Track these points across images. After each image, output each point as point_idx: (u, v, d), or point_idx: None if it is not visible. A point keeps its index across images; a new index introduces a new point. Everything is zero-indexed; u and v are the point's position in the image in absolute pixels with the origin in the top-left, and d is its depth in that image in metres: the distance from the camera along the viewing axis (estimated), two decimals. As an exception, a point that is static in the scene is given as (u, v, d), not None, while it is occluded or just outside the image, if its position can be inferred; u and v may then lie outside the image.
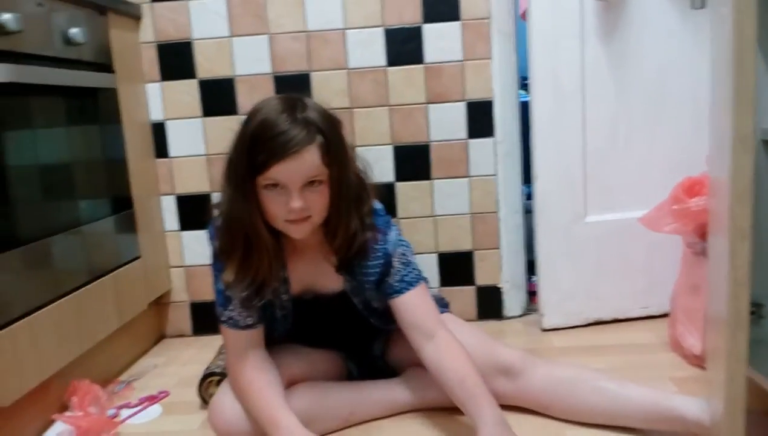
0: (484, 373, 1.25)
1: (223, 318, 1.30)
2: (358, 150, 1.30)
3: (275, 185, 1.15)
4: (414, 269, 1.32)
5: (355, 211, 1.25)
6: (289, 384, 1.32)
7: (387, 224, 1.32)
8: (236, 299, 1.26)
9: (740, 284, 0.85)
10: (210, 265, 1.33)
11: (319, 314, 1.36)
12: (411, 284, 1.29)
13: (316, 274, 1.32)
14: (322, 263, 1.30)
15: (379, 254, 1.29)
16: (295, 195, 1.14)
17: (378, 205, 1.33)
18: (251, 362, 1.27)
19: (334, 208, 1.21)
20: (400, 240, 1.33)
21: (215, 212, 1.27)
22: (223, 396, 1.29)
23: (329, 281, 1.32)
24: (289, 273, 1.30)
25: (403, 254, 1.32)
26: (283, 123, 1.13)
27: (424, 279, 1.34)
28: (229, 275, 1.23)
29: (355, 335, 1.46)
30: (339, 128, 1.21)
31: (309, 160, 1.14)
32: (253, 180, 1.16)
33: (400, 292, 1.29)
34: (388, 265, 1.29)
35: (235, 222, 1.20)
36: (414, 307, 1.29)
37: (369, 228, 1.27)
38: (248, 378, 1.25)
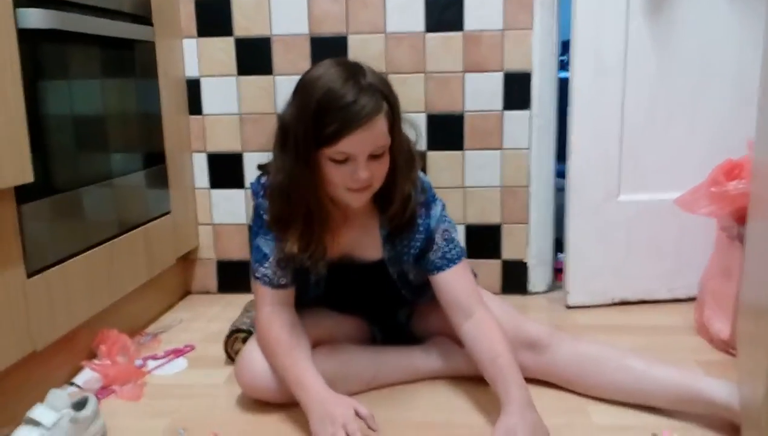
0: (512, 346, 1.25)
1: (257, 275, 1.30)
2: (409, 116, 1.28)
3: (345, 160, 1.13)
4: (456, 245, 1.32)
5: (408, 176, 1.24)
6: (315, 345, 1.33)
7: (433, 198, 1.32)
8: (276, 259, 1.26)
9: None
10: (251, 224, 1.33)
11: (353, 281, 1.37)
12: (452, 261, 1.30)
13: (358, 242, 1.32)
14: (367, 232, 1.31)
15: (421, 228, 1.29)
16: (362, 165, 1.13)
17: (426, 179, 1.33)
18: (281, 320, 1.28)
19: (391, 175, 1.21)
20: (444, 216, 1.33)
21: (264, 176, 1.28)
22: (251, 352, 1.30)
23: (369, 249, 1.32)
24: (329, 238, 1.27)
25: (446, 231, 1.31)
26: (350, 92, 1.10)
27: (465, 255, 1.33)
28: (292, 246, 1.22)
29: (383, 302, 1.47)
30: (395, 97, 1.18)
31: (378, 130, 1.12)
32: (317, 151, 1.13)
33: (441, 268, 1.29)
34: (430, 240, 1.30)
35: (296, 193, 1.19)
36: (454, 284, 1.29)
37: (425, 193, 1.28)
38: (276, 336, 1.26)
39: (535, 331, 1.33)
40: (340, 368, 1.32)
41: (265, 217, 1.26)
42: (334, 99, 1.10)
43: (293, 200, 1.20)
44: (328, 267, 1.31)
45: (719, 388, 1.16)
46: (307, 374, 1.20)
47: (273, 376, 1.27)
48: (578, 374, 1.30)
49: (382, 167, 1.18)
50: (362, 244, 1.32)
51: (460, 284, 1.29)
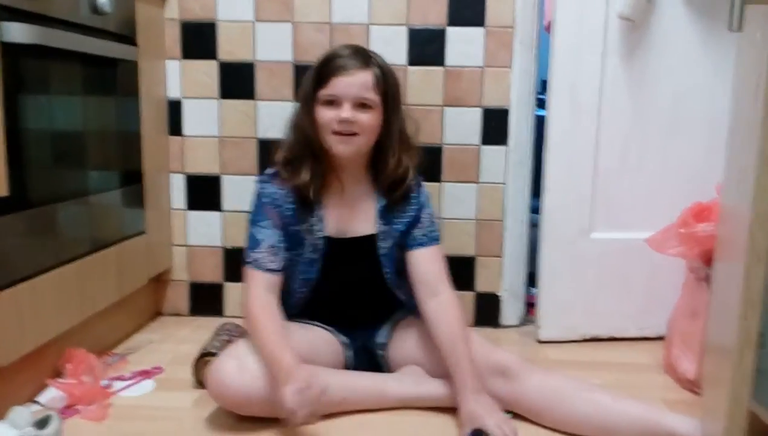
0: (483, 373, 1.32)
1: (249, 260, 1.41)
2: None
3: (332, 102, 1.33)
4: (437, 230, 1.48)
5: (407, 157, 1.42)
6: None
7: (420, 181, 1.50)
8: (268, 245, 1.40)
9: (753, 304, 0.86)
10: (250, 214, 1.46)
11: (343, 266, 1.43)
12: (432, 241, 1.45)
13: (352, 215, 1.44)
14: (361, 204, 1.44)
15: (413, 202, 1.46)
16: (346, 106, 1.33)
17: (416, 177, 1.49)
18: (263, 302, 1.38)
19: (382, 142, 1.40)
20: (430, 203, 1.50)
21: (269, 168, 1.46)
22: (223, 362, 1.30)
23: (363, 223, 1.45)
24: (326, 212, 1.43)
25: (431, 214, 1.49)
26: (347, 52, 1.36)
27: (441, 242, 1.49)
28: (305, 175, 1.38)
29: (368, 307, 1.50)
30: (396, 80, 1.41)
31: (362, 79, 1.33)
32: (315, 96, 1.35)
33: (422, 244, 1.44)
34: (418, 216, 1.45)
35: (300, 131, 1.40)
36: (429, 262, 1.43)
37: (408, 182, 1.43)
38: (257, 315, 1.35)
39: (505, 358, 1.36)
40: None
41: (265, 200, 1.42)
42: (334, 55, 1.36)
43: (299, 138, 1.40)
44: (325, 243, 1.42)
45: (683, 423, 1.19)
46: (283, 353, 1.26)
47: (242, 386, 1.26)
48: (547, 405, 1.31)
49: (367, 120, 1.35)
50: (356, 217, 1.44)
51: (433, 264, 1.44)
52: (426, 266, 1.43)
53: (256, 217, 1.43)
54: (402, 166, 1.41)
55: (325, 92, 1.34)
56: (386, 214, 1.45)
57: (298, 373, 1.21)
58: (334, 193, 1.44)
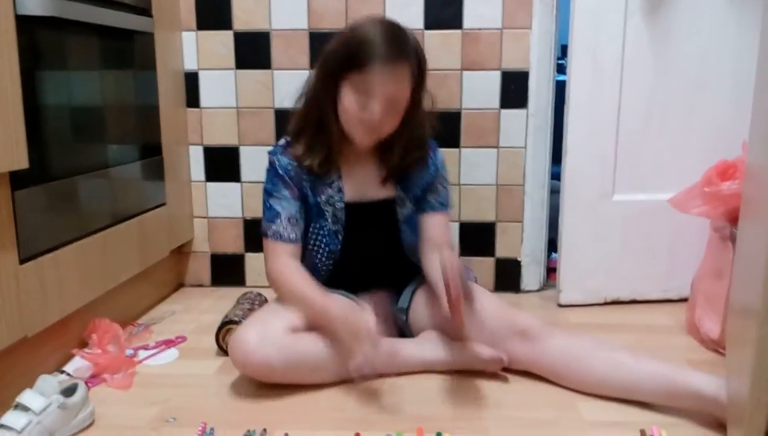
0: (502, 335, 1.34)
1: (269, 233, 1.42)
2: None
3: (363, 93, 1.28)
4: (448, 196, 1.51)
5: (416, 133, 1.40)
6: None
7: (435, 144, 1.49)
8: (287, 216, 1.41)
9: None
10: (265, 185, 1.46)
11: (365, 232, 1.43)
12: (444, 207, 1.48)
13: (368, 182, 1.45)
14: (377, 170, 1.44)
15: (430, 166, 1.46)
16: (378, 105, 1.28)
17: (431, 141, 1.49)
18: (292, 268, 1.41)
19: (399, 129, 1.36)
20: (445, 167, 1.50)
21: (282, 139, 1.46)
22: (245, 331, 1.30)
23: (381, 188, 1.45)
24: (343, 182, 1.43)
25: (445, 179, 1.50)
26: (390, 34, 1.28)
27: (451, 209, 1.53)
28: (299, 149, 1.39)
29: (389, 275, 1.50)
30: (425, 63, 1.36)
31: (400, 75, 1.28)
32: (343, 75, 1.29)
33: (434, 209, 1.47)
34: (434, 180, 1.46)
35: (313, 107, 1.37)
36: (438, 226, 1.46)
37: (424, 147, 1.44)
38: (289, 279, 1.39)
39: (525, 320, 1.35)
40: (330, 351, 1.32)
41: (280, 172, 1.41)
42: (376, 34, 1.28)
43: (309, 114, 1.38)
44: (346, 211, 1.44)
45: (708, 382, 1.16)
46: (329, 303, 1.30)
47: (264, 354, 1.27)
48: (568, 366, 1.31)
49: (394, 119, 1.33)
50: (372, 184, 1.45)
51: (442, 229, 1.47)
52: (434, 229, 1.45)
53: (273, 188, 1.43)
54: (406, 152, 1.40)
55: (358, 79, 1.28)
56: (404, 179, 1.45)
57: (358, 316, 1.23)
58: (349, 161, 1.44)
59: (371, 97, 1.28)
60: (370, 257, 1.48)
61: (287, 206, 1.42)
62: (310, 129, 1.39)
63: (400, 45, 1.29)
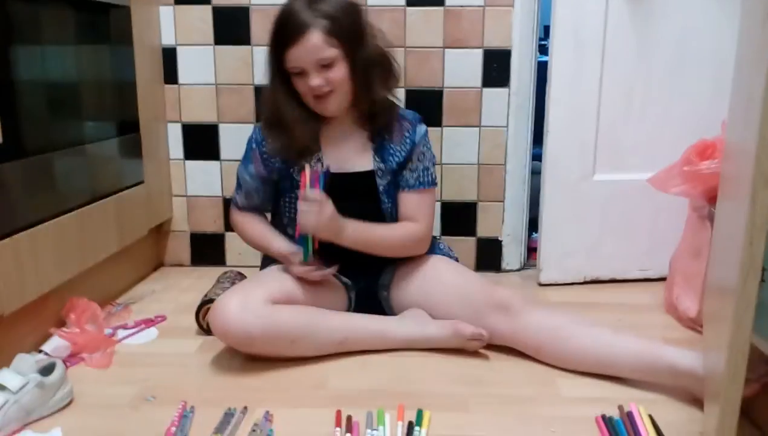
0: (483, 310, 1.35)
1: (233, 197, 1.55)
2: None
3: (300, 72, 1.34)
4: (430, 175, 1.48)
5: (381, 81, 1.41)
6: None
7: (418, 120, 1.49)
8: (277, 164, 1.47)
9: (759, 229, 0.84)
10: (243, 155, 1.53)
11: (345, 203, 1.40)
12: (423, 185, 1.47)
13: (349, 154, 1.46)
14: (356, 144, 1.46)
15: (407, 139, 1.46)
16: (312, 74, 1.33)
17: (410, 112, 1.51)
18: (249, 214, 1.55)
19: (354, 80, 1.37)
20: (427, 140, 1.50)
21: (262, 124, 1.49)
22: (227, 299, 1.31)
23: (361, 160, 1.46)
24: (324, 154, 1.45)
25: (423, 154, 1.48)
26: (291, 14, 1.32)
27: (436, 186, 1.51)
28: (274, 141, 1.44)
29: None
30: (352, 12, 1.37)
31: (313, 44, 1.31)
32: (283, 69, 1.36)
33: (410, 187, 1.46)
34: (411, 154, 1.46)
35: (271, 102, 1.42)
36: (416, 205, 1.47)
37: (395, 104, 1.46)
38: (244, 220, 1.55)
39: (507, 295, 1.37)
40: (310, 324, 1.34)
41: (254, 145, 1.48)
42: (281, 19, 1.34)
43: (271, 108, 1.42)
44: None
45: (683, 356, 1.18)
46: (271, 238, 1.48)
47: (245, 323, 1.27)
48: (547, 341, 1.32)
49: (336, 73, 1.35)
50: (353, 156, 1.46)
51: (420, 208, 1.47)
52: (411, 207, 1.47)
53: (244, 157, 1.52)
54: (376, 97, 1.41)
55: (289, 66, 1.35)
56: (381, 151, 1.45)
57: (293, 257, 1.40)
58: (328, 133, 1.46)
59: (303, 70, 1.34)
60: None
61: (249, 181, 1.51)
62: (282, 123, 1.42)
63: (303, 12, 1.31)
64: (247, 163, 1.50)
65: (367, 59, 1.38)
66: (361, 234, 1.41)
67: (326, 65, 1.33)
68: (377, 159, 1.45)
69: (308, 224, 1.33)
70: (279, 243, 1.46)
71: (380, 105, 1.42)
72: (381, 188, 1.46)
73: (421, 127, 1.49)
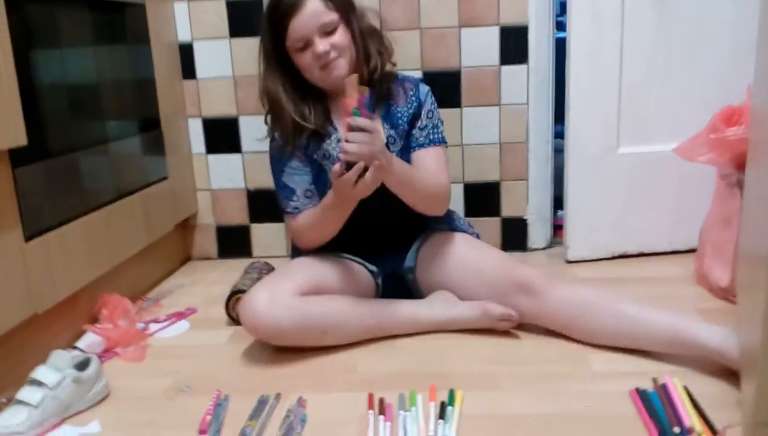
0: (505, 290, 1.34)
1: (289, 209, 1.46)
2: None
3: (304, 46, 1.34)
4: (439, 132, 1.49)
5: (377, 52, 1.42)
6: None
7: (419, 80, 1.51)
8: (303, 190, 1.45)
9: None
10: (271, 164, 1.50)
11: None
12: (434, 142, 1.47)
13: None
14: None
15: (413, 98, 1.47)
16: (317, 41, 1.33)
17: (409, 76, 1.53)
18: (303, 212, 1.46)
19: (355, 47, 1.39)
20: (432, 99, 1.50)
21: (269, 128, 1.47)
22: (255, 293, 1.31)
23: None
24: (342, 133, 1.41)
25: (431, 112, 1.48)
26: None
27: (446, 143, 1.50)
28: (284, 133, 1.42)
29: (391, 231, 1.49)
30: None
31: (313, 9, 1.32)
32: (282, 50, 1.36)
33: (422, 146, 1.46)
34: (419, 111, 1.46)
35: (270, 94, 1.41)
36: (429, 162, 1.45)
37: (392, 71, 1.47)
38: (302, 220, 1.44)
39: (528, 274, 1.35)
40: (341, 313, 1.34)
41: (280, 155, 1.45)
42: (274, 4, 1.36)
43: (271, 102, 1.42)
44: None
45: (712, 333, 1.16)
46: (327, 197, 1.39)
47: (274, 316, 1.27)
48: (574, 318, 1.31)
49: (340, 38, 1.36)
50: None
51: (433, 164, 1.45)
52: (425, 164, 1.44)
53: (278, 166, 1.46)
54: (375, 61, 1.42)
55: (291, 43, 1.35)
56: (389, 118, 1.45)
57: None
58: (337, 110, 1.44)
59: (307, 41, 1.34)
60: (370, 210, 1.39)
61: (299, 181, 1.44)
62: (289, 118, 1.40)
63: None
64: (285, 164, 1.45)
65: (363, 29, 1.41)
66: (407, 170, 1.38)
67: (329, 32, 1.34)
68: (386, 126, 1.44)
69: (363, 154, 1.22)
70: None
71: (380, 73, 1.43)
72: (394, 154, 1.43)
73: (424, 87, 1.49)
